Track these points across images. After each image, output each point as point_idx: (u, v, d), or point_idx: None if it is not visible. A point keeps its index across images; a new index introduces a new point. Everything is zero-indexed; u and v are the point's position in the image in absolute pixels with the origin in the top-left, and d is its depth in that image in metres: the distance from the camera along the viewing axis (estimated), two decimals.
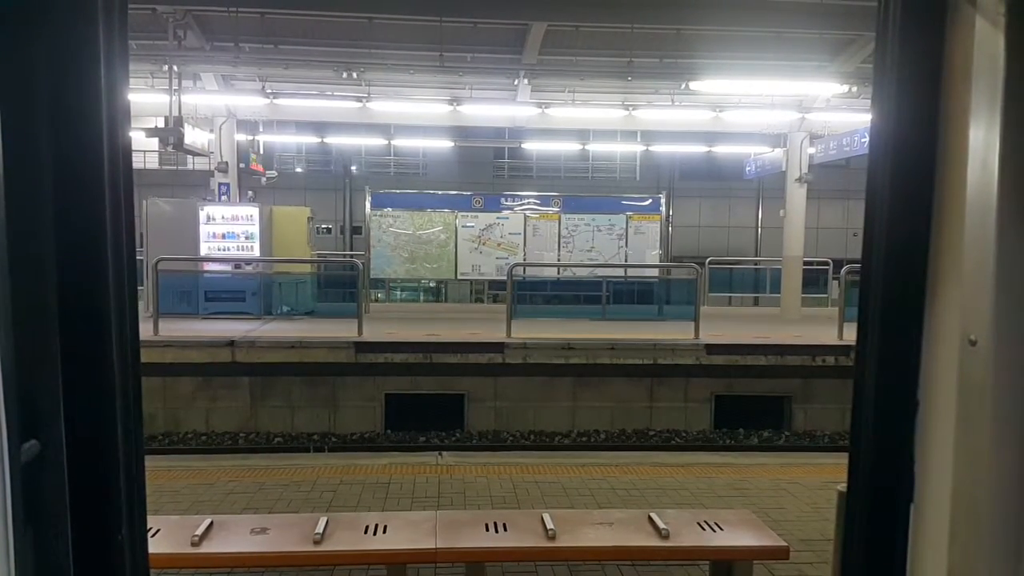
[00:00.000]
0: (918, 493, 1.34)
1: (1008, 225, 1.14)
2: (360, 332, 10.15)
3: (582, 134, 19.60)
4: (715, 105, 13.90)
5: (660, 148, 22.07)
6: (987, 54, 1.16)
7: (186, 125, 11.92)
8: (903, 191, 1.32)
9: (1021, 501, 1.16)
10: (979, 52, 1.18)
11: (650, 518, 3.80)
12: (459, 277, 14.49)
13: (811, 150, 14.09)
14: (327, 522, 3.67)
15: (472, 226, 14.00)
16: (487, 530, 3.69)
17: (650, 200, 14.63)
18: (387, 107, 13.80)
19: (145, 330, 9.06)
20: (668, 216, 16.67)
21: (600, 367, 9.94)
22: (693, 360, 10.02)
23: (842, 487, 1.62)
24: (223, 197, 14.06)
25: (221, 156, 14.00)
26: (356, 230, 25.87)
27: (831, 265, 16.93)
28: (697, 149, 20.86)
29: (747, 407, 10.29)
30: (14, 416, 1.03)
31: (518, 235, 14.02)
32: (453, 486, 5.82)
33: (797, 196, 14.30)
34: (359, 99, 13.36)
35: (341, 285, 17.11)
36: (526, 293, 14.89)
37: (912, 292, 1.33)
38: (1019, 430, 1.16)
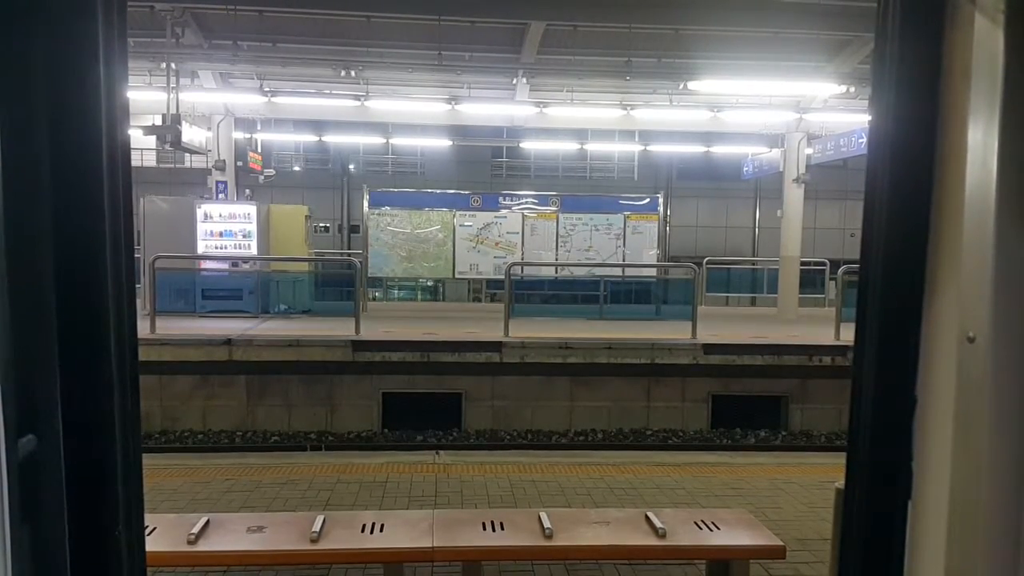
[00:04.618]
0: (916, 490, 1.34)
1: (1007, 222, 1.14)
2: (357, 331, 10.15)
3: (580, 133, 19.63)
4: (713, 105, 13.92)
5: (658, 148, 22.10)
6: (986, 52, 1.16)
7: (184, 123, 11.90)
8: (902, 187, 1.32)
9: (1019, 498, 1.16)
10: (978, 51, 1.18)
11: (647, 517, 3.80)
12: (457, 276, 14.49)
13: (809, 150, 14.12)
14: (324, 521, 3.67)
15: (470, 225, 14.00)
16: (484, 529, 3.70)
17: (648, 200, 14.63)
18: (385, 106, 13.80)
19: (142, 328, 9.06)
20: (666, 216, 16.65)
21: (598, 367, 9.94)
22: (690, 360, 10.03)
23: (840, 484, 1.62)
24: (220, 195, 14.05)
25: (219, 154, 13.99)
26: (354, 229, 25.88)
27: (828, 265, 16.96)
28: (695, 149, 20.90)
29: (744, 407, 10.30)
30: (11, 410, 1.03)
31: (516, 234, 14.02)
32: (450, 485, 5.82)
33: (794, 196, 14.32)
34: (357, 98, 13.36)
35: (339, 284, 17.10)
36: (524, 292, 14.89)
37: (911, 289, 1.33)
38: (1017, 427, 1.16)
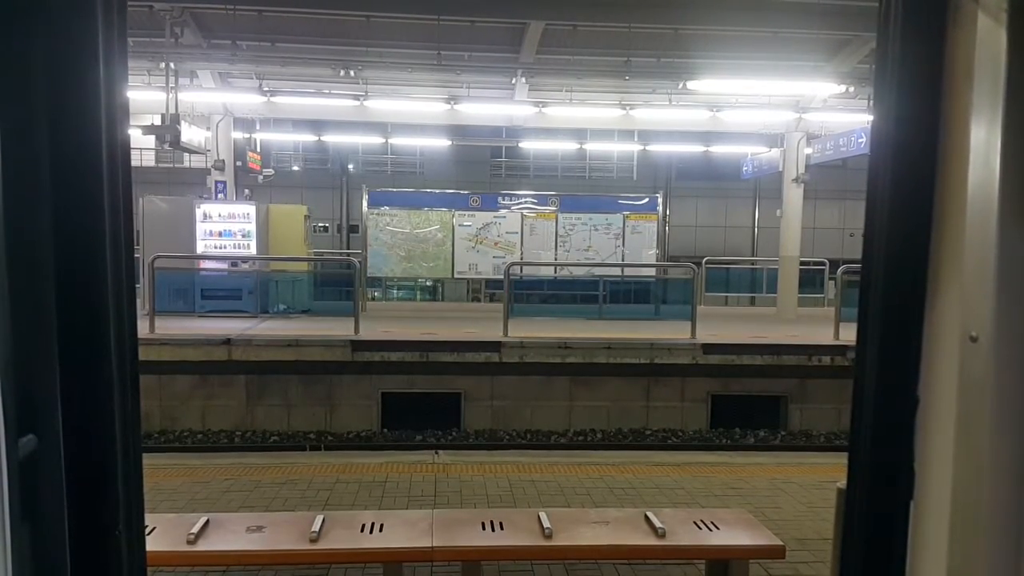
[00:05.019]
0: (918, 490, 1.34)
1: (1010, 221, 1.14)
2: (356, 331, 10.14)
3: (579, 133, 19.62)
4: (712, 105, 13.91)
5: (657, 148, 22.10)
6: (989, 51, 1.16)
7: (183, 123, 11.90)
8: (904, 187, 1.32)
9: (1021, 498, 1.16)
10: (981, 49, 1.18)
11: (646, 517, 3.80)
12: (456, 276, 14.48)
13: (808, 150, 14.12)
14: (323, 520, 3.66)
15: (469, 225, 13.99)
16: (483, 529, 3.69)
17: (647, 199, 14.63)
18: (385, 105, 13.79)
19: (141, 328, 9.03)
20: (665, 216, 16.66)
21: (597, 366, 9.94)
22: (689, 360, 10.03)
23: (841, 484, 1.62)
24: (220, 195, 14.04)
25: (218, 154, 13.98)
26: (353, 228, 25.88)
27: (827, 265, 16.97)
28: (694, 149, 20.90)
29: (743, 407, 10.30)
30: (11, 410, 1.02)
31: (515, 234, 14.02)
32: (449, 485, 5.82)
33: (794, 196, 14.32)
34: (356, 97, 13.34)
35: (338, 284, 17.10)
36: (523, 292, 14.88)
37: (913, 288, 1.33)
38: (1020, 427, 1.16)
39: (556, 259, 14.11)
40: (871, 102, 1.50)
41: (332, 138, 21.68)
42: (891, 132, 1.32)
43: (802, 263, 15.10)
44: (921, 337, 1.33)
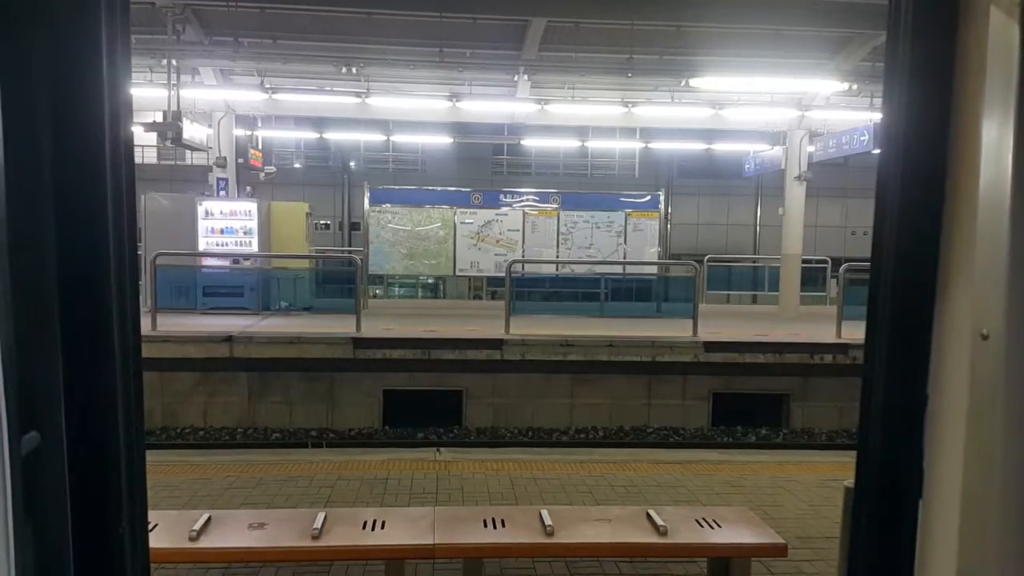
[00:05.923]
0: (927, 489, 1.33)
1: (1021, 217, 1.12)
2: (358, 328, 10.14)
3: (581, 131, 19.58)
4: (714, 102, 13.89)
5: (659, 145, 22.08)
6: (1001, 46, 1.15)
7: (184, 120, 11.90)
8: (914, 183, 1.31)
9: None
10: (993, 44, 1.17)
11: (648, 515, 3.80)
12: (457, 273, 14.49)
13: (810, 148, 14.09)
14: (325, 517, 3.67)
15: (471, 222, 13.99)
16: (485, 526, 3.69)
17: (649, 197, 14.62)
18: (386, 103, 13.78)
19: (143, 325, 9.05)
20: (667, 213, 16.63)
21: (598, 364, 9.93)
22: (691, 357, 10.02)
23: (849, 482, 1.61)
24: (221, 192, 14.04)
25: (219, 151, 13.99)
26: (355, 226, 25.86)
27: (829, 263, 16.95)
28: (696, 146, 20.87)
29: (745, 405, 10.30)
30: (14, 406, 1.02)
31: (517, 232, 14.01)
32: (451, 482, 5.82)
33: (796, 194, 14.30)
34: (358, 95, 13.33)
35: (339, 281, 17.09)
36: (524, 290, 14.87)
37: (923, 286, 1.32)
38: None
39: (558, 257, 14.10)
40: (881, 98, 1.48)
41: (334, 135, 21.68)
42: (901, 129, 1.31)
43: (804, 261, 15.09)
44: (931, 334, 1.32)
